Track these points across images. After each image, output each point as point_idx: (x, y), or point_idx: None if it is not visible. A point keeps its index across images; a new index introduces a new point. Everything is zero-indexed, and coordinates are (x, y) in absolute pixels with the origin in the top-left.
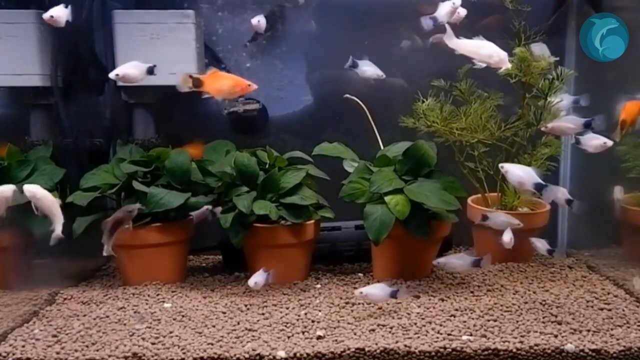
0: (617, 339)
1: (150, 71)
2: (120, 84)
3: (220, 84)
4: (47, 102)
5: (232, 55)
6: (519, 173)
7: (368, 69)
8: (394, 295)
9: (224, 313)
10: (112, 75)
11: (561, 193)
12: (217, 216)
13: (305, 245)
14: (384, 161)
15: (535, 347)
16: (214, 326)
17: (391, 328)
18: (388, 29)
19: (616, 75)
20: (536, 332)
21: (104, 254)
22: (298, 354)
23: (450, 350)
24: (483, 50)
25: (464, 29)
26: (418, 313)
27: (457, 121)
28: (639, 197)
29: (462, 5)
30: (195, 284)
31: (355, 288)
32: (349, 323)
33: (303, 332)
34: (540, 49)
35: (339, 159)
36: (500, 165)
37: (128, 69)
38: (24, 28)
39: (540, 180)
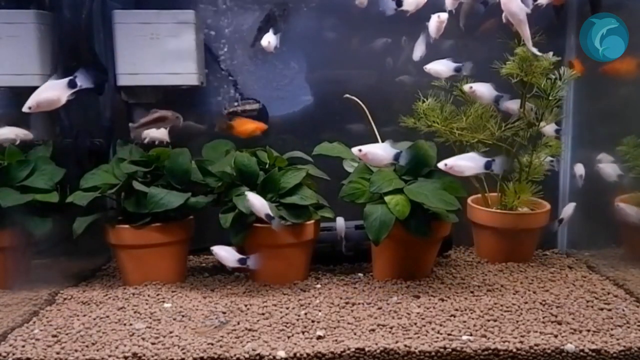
0: (617, 339)
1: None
2: (120, 84)
3: None
4: None
5: (232, 55)
6: (377, 152)
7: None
8: (243, 262)
9: (224, 313)
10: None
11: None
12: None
13: (305, 245)
14: None
15: (535, 347)
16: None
17: (391, 328)
18: (389, 29)
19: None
20: (536, 332)
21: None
22: (298, 354)
23: (450, 350)
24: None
25: (464, 31)
26: (418, 313)
27: (457, 121)
28: (639, 197)
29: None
30: (195, 284)
31: (355, 288)
32: (349, 323)
33: (303, 332)
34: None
35: (339, 159)
36: (357, 149)
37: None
38: (24, 28)
39: (397, 151)
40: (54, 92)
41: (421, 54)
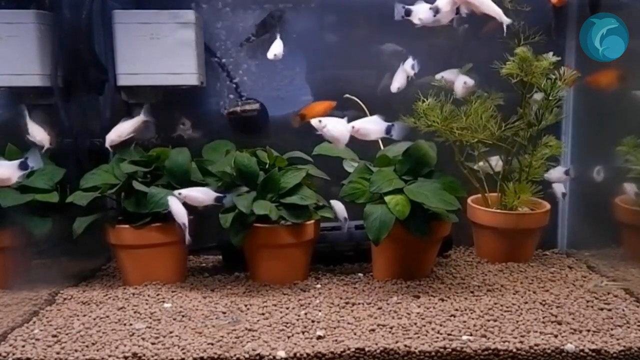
0: (617, 339)
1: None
2: (120, 84)
3: None
4: (47, 102)
5: (232, 55)
6: (369, 126)
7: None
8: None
9: (224, 313)
10: None
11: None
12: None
13: (305, 245)
14: (384, 161)
15: (535, 347)
16: (214, 326)
17: (391, 328)
18: (389, 29)
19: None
20: (536, 332)
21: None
22: (298, 354)
23: (450, 350)
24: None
25: (468, 33)
26: (418, 313)
27: (457, 121)
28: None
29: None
30: (195, 284)
31: (355, 288)
32: (349, 323)
33: (303, 332)
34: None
35: (339, 159)
36: (351, 125)
37: None
38: (24, 28)
39: (389, 124)
40: (5, 170)
41: (399, 85)
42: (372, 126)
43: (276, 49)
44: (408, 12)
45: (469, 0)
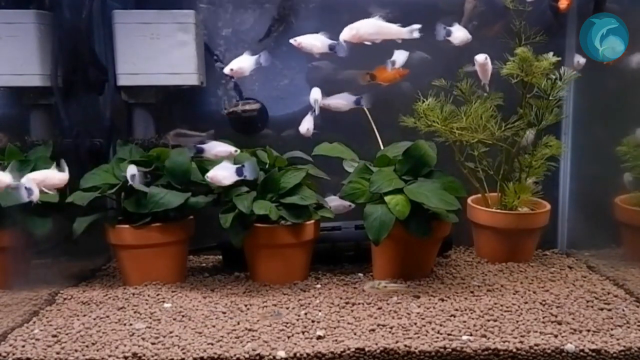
0: (617, 339)
1: None
2: (120, 84)
3: None
4: (47, 102)
5: (231, 55)
6: (219, 172)
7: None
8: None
9: (224, 313)
10: None
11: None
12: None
13: (305, 245)
14: (384, 161)
15: (535, 347)
16: (214, 326)
17: (391, 328)
18: None
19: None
20: (536, 332)
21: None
22: (298, 354)
23: (450, 350)
24: None
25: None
26: (418, 313)
27: (457, 121)
28: (639, 197)
29: None
30: (195, 284)
31: (355, 288)
32: (349, 323)
33: (303, 332)
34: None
35: (339, 159)
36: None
37: None
38: (24, 28)
39: (238, 166)
40: None
41: (309, 126)
42: (223, 173)
43: (235, 63)
44: (449, 33)
45: (366, 37)
